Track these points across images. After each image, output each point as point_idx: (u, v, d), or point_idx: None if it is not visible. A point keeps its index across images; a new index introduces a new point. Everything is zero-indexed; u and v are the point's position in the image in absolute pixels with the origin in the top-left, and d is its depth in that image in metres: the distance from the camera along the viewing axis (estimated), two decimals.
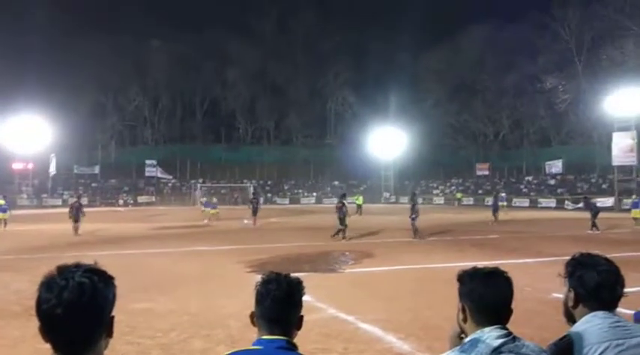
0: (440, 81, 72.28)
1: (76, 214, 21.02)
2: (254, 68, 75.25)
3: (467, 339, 1.79)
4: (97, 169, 63.86)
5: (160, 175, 64.49)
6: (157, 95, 74.43)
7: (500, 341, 1.71)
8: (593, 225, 21.75)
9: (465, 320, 1.84)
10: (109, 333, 1.36)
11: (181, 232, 23.20)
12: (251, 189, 28.76)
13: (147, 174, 64.51)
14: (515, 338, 1.75)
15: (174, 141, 75.29)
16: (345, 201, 19.84)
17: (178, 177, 67.15)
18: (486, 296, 1.79)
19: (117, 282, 1.41)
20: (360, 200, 38.03)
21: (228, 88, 75.33)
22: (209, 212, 30.11)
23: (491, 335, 1.73)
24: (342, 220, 18.95)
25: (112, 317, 1.37)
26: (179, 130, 76.72)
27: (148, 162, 64.55)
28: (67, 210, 23.00)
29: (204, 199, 32.41)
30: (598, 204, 24.78)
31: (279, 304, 1.75)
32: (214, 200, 32.32)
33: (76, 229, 20.77)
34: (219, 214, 29.90)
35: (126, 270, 10.58)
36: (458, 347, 1.78)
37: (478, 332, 1.76)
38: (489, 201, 55.25)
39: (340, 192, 24.14)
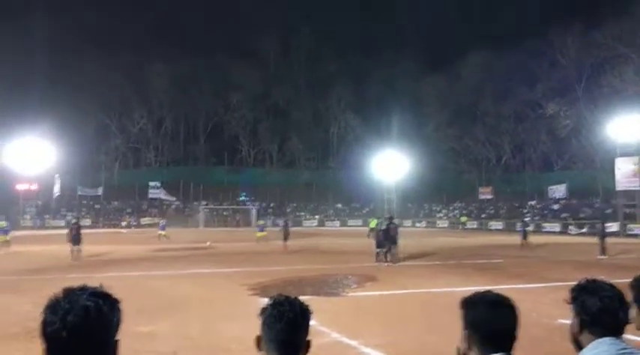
0: (441, 105, 72.82)
1: (75, 237, 19.70)
2: (257, 91, 76.01)
3: None
4: (100, 191, 63.95)
5: (163, 197, 64.55)
6: (160, 117, 75.02)
7: None
8: (604, 249, 21.48)
9: (469, 348, 1.80)
10: None
11: (184, 254, 23.09)
12: (281, 220, 30.12)
13: (150, 195, 64.60)
14: None
15: (178, 163, 75.66)
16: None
17: (181, 199, 67.17)
18: (491, 325, 1.76)
19: (121, 305, 1.40)
20: (373, 223, 37.78)
21: (231, 110, 75.97)
22: (258, 234, 30.50)
23: None
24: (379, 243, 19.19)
25: (117, 340, 1.35)
26: (182, 152, 77.15)
27: (151, 183, 64.71)
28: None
29: (260, 222, 33.35)
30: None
31: (292, 326, 1.72)
32: (261, 222, 32.94)
33: (76, 252, 19.39)
34: (266, 236, 29.80)
35: (129, 293, 10.47)
36: None
37: None
38: (492, 225, 55.30)
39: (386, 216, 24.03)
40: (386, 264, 18.14)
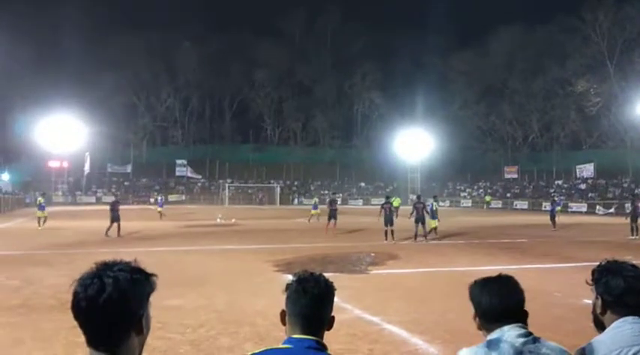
0: (468, 83, 71.39)
1: (114, 214, 19.87)
2: (282, 69, 75.73)
3: (488, 338, 1.83)
4: (129, 168, 65.16)
5: (189, 175, 65.45)
6: (187, 96, 75.56)
7: (522, 340, 1.76)
8: (634, 229, 20.67)
9: (480, 327, 1.91)
10: (139, 331, 1.35)
11: (210, 231, 23.48)
12: (329, 195, 27.83)
13: (177, 173, 65.61)
14: (535, 339, 1.79)
15: (204, 141, 76.38)
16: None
17: (207, 177, 67.99)
18: (492, 305, 1.85)
19: (153, 279, 1.43)
20: (397, 202, 37.64)
21: (256, 89, 75.97)
22: (312, 213, 30.35)
23: (511, 335, 1.77)
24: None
25: (142, 314, 1.36)
26: (208, 131, 77.81)
27: (178, 161, 65.64)
28: (101, 207, 23.09)
29: (315, 200, 33.13)
30: None
31: (316, 302, 1.75)
32: (315, 200, 32.93)
33: (118, 229, 19.59)
34: (319, 214, 29.33)
35: (157, 267, 10.72)
36: (482, 344, 1.82)
37: (497, 331, 1.81)
38: (517, 204, 54.58)
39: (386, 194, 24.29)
40: (393, 242, 18.07)
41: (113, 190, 61.68)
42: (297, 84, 78.71)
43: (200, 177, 67.25)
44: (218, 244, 17.59)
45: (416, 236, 18.88)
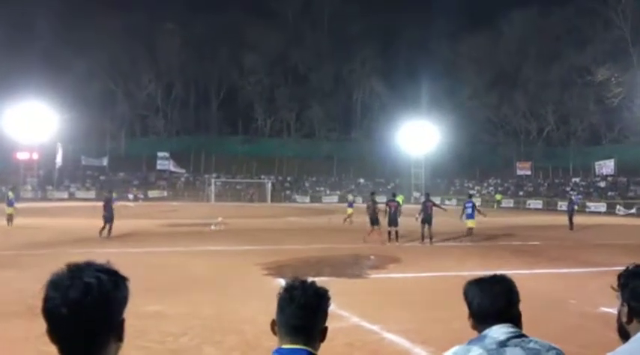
0: (478, 70, 71.39)
1: (110, 212, 19.54)
2: (274, 54, 75.44)
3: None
4: (105, 161, 64.92)
5: (172, 169, 65.28)
6: (170, 82, 75.22)
7: (507, 335, 1.88)
8: None
9: (474, 327, 2.04)
10: (119, 337, 1.37)
11: (195, 230, 23.45)
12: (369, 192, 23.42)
13: (158, 167, 65.43)
14: (522, 335, 1.91)
15: (188, 132, 76.15)
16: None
17: (192, 171, 67.86)
18: (483, 306, 1.98)
19: (128, 283, 1.43)
20: (400, 199, 37.59)
21: (245, 75, 75.66)
22: (348, 212, 29.14)
23: (498, 331, 1.90)
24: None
25: (122, 320, 1.38)
26: (193, 120, 77.53)
27: (159, 154, 65.44)
28: (74, 203, 22.84)
29: (350, 197, 31.81)
30: None
31: (303, 311, 1.76)
32: (350, 197, 32.26)
33: (109, 229, 19.32)
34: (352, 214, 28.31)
35: (136, 270, 10.70)
36: (466, 342, 1.95)
37: (487, 329, 1.94)
38: (530, 204, 54.77)
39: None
40: (397, 244, 18.22)
41: (87, 185, 61.51)
42: (291, 70, 78.51)
43: (184, 171, 67.09)
44: (203, 245, 17.59)
45: (423, 237, 18.97)
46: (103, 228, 19.33)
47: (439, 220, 20.80)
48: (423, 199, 20.49)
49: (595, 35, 59.13)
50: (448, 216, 22.38)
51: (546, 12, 65.62)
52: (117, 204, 30.66)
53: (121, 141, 70.63)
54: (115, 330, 1.35)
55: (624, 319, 1.92)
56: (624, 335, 1.93)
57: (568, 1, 61.61)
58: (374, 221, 19.22)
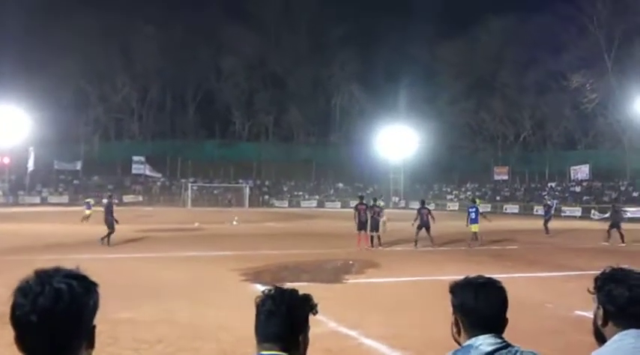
0: (456, 76, 72.24)
1: (111, 218, 19.07)
2: (252, 57, 75.25)
3: (461, 346, 1.93)
4: (79, 165, 63.91)
5: (147, 173, 64.57)
6: (145, 85, 74.41)
7: (493, 347, 1.85)
8: (611, 236, 21.50)
9: (458, 332, 1.99)
10: (90, 344, 1.36)
11: (171, 236, 23.23)
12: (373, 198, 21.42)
13: (133, 171, 64.63)
14: (508, 346, 1.88)
15: (164, 136, 75.40)
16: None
17: (168, 176, 67.22)
18: (478, 309, 1.93)
19: (99, 289, 1.42)
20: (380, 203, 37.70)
21: (223, 78, 75.33)
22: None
23: (484, 342, 1.87)
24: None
25: (94, 326, 1.37)
26: (169, 124, 76.82)
27: (135, 158, 64.67)
28: (46, 208, 22.43)
29: (381, 204, 30.22)
30: (627, 214, 24.47)
31: (280, 319, 1.75)
32: (381, 203, 30.82)
33: (107, 238, 18.69)
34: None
35: (109, 276, 10.59)
36: (449, 353, 1.91)
37: (472, 339, 1.90)
38: (507, 208, 55.43)
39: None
40: (381, 248, 18.53)
41: (60, 190, 60.54)
42: (270, 74, 78.34)
43: (160, 175, 66.39)
44: (179, 251, 17.43)
45: (416, 243, 19.22)
46: (108, 234, 18.77)
47: (440, 225, 21.11)
48: (418, 206, 20.77)
49: (570, 42, 60.30)
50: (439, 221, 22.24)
51: (523, 18, 66.69)
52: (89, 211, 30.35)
53: (94, 145, 69.58)
54: (86, 337, 1.34)
55: (600, 322, 1.94)
56: (600, 339, 1.95)
57: (544, 8, 62.76)
58: (363, 225, 19.03)
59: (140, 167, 64.43)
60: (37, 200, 56.52)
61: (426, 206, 20.86)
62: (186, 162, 66.26)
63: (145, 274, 12.55)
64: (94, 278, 1.42)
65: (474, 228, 20.58)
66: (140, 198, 61.06)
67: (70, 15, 64.66)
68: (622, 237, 21.07)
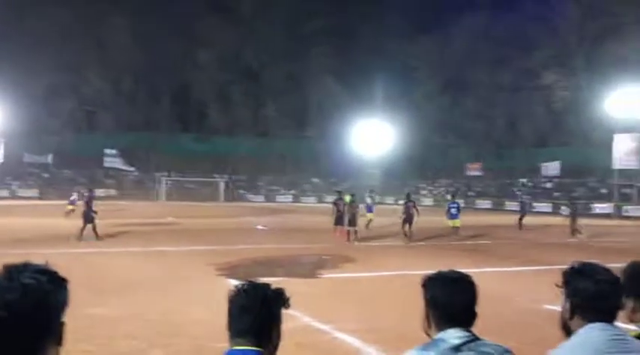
0: (431, 73, 72.78)
1: (89, 212, 18.55)
2: (228, 50, 74.66)
3: (432, 339, 1.98)
4: (50, 158, 62.77)
5: (120, 166, 63.71)
6: (118, 76, 73.20)
7: (462, 340, 1.90)
8: (575, 229, 22.19)
9: (429, 326, 2.04)
10: (59, 341, 1.34)
11: (144, 230, 22.97)
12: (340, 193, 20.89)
13: (106, 164, 63.67)
14: (477, 339, 1.93)
15: (137, 128, 74.25)
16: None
17: (141, 169, 66.40)
18: (448, 303, 1.98)
19: (70, 285, 1.40)
20: (348, 198, 37.74)
21: (198, 71, 74.56)
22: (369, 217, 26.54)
23: (453, 336, 1.92)
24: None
25: (63, 323, 1.35)
26: (143, 117, 75.68)
27: (107, 151, 63.67)
28: (16, 202, 21.93)
29: (374, 197, 29.57)
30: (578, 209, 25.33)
31: (251, 314, 1.75)
32: (369, 201, 30.20)
33: (94, 229, 18.36)
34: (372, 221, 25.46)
35: (81, 271, 10.45)
36: (419, 346, 1.95)
37: (441, 333, 1.95)
38: (479, 204, 56.21)
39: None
40: (356, 244, 18.65)
41: (30, 183, 59.36)
42: (246, 67, 77.80)
43: (133, 169, 65.50)
44: (153, 246, 17.24)
45: (406, 235, 19.57)
46: (82, 228, 18.27)
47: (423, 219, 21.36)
48: (404, 200, 21.23)
49: (542, 40, 61.24)
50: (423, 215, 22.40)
51: (494, 16, 67.36)
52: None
53: (66, 138, 68.31)
54: (54, 334, 1.32)
55: (567, 315, 1.99)
56: (567, 331, 2.00)
57: (515, 7, 63.60)
58: (350, 221, 19.53)
59: (113, 160, 63.48)
60: (6, 193, 55.36)
61: (412, 199, 21.27)
62: (160, 155, 65.60)
63: (117, 269, 12.40)
64: (64, 273, 1.40)
65: (456, 223, 21.15)
66: (113, 192, 60.19)
67: (42, 6, 63.30)
68: (575, 231, 21.81)
